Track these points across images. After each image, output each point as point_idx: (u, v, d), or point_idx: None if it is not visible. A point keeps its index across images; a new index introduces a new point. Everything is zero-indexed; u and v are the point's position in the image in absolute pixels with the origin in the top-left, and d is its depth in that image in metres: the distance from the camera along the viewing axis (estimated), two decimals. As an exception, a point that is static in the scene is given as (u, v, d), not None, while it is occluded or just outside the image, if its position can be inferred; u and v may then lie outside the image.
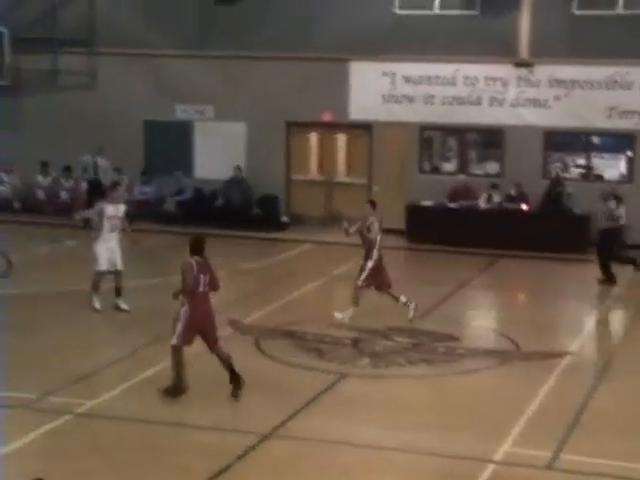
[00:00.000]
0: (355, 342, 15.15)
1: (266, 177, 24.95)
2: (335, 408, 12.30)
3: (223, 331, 15.33)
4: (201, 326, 12.37)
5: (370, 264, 16.09)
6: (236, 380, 12.39)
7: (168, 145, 25.61)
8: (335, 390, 13.01)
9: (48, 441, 11.16)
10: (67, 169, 25.72)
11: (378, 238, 16.13)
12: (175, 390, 12.30)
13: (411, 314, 16.23)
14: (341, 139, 25.49)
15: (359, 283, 16.14)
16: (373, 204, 16.43)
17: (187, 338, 12.31)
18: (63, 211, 24.39)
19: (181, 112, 25.65)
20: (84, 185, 25.27)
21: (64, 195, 25.72)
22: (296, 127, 25.30)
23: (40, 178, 25.99)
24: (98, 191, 24.59)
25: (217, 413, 11.89)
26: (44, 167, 25.89)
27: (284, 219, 24.88)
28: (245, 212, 24.60)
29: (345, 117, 24.79)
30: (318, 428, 11.45)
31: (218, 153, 25.34)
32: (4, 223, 24.46)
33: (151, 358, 13.87)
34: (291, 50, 24.54)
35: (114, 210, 16.54)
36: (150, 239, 22.88)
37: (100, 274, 16.55)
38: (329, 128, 25.28)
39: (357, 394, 12.91)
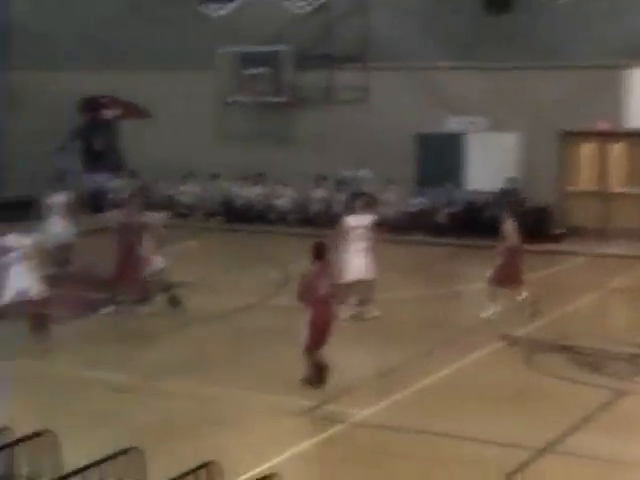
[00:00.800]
0: (633, 358, 14.64)
1: (539, 188, 24.58)
2: (611, 425, 11.93)
3: (495, 344, 15.30)
4: (325, 326, 12.86)
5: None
6: (318, 379, 13.02)
7: (440, 157, 25.72)
8: (612, 407, 12.62)
9: (323, 448, 11.46)
10: (340, 182, 26.32)
11: (511, 241, 17.17)
12: (314, 380, 13.01)
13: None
14: (618, 148, 24.75)
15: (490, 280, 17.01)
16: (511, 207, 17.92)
17: (317, 341, 12.88)
18: (337, 223, 24.92)
19: (453, 124, 25.70)
20: (346, 197, 25.85)
21: (338, 207, 26.24)
22: (570, 137, 24.78)
23: (315, 191, 26.72)
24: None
25: (491, 427, 11.80)
26: (319, 180, 26.60)
27: (558, 231, 24.41)
28: (517, 224, 24.24)
29: (622, 125, 24.05)
30: (593, 445, 11.14)
31: (490, 164, 25.20)
32: (281, 235, 25.36)
33: (423, 369, 13.97)
34: (565, 59, 24.08)
35: (357, 221, 16.82)
36: (422, 250, 23.12)
37: (348, 284, 16.60)
38: (605, 137, 24.60)
39: (635, 412, 12.47)
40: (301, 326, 12.97)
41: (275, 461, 10.67)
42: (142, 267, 17.23)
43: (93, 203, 26.34)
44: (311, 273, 12.97)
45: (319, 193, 26.64)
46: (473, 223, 24.69)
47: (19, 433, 7.96)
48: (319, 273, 12.92)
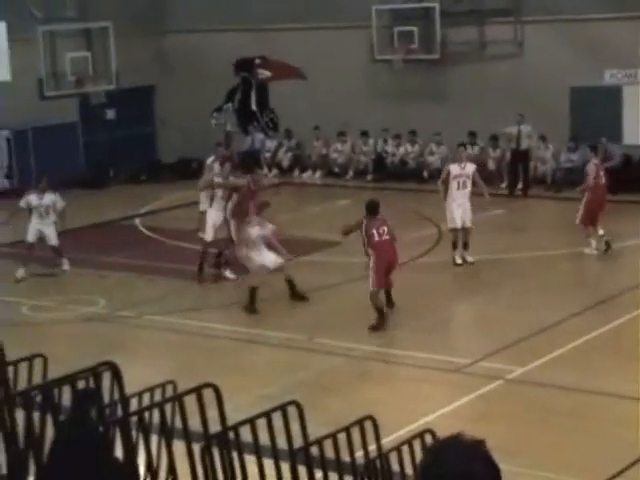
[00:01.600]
0: None
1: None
2: None
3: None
4: (387, 268, 14.30)
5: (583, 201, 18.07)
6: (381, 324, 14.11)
7: (595, 111, 25.14)
8: None
9: (478, 405, 11.51)
10: (493, 138, 26.02)
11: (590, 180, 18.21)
12: (379, 326, 14.02)
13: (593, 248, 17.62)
14: None
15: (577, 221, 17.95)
16: (595, 150, 19.01)
17: (379, 282, 14.23)
18: (489, 181, 24.65)
19: (610, 77, 25.06)
20: (508, 155, 25.53)
21: (491, 164, 26.00)
22: None
23: (469, 148, 26.45)
24: (521, 160, 24.72)
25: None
26: (472, 136, 26.35)
27: None
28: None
29: None
30: None
31: (648, 118, 24.50)
32: (434, 193, 25.23)
33: (581, 327, 13.83)
34: None
35: (459, 169, 17.65)
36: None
37: (455, 231, 17.55)
38: None
39: None
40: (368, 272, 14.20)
41: (430, 417, 10.80)
42: None
43: (247, 164, 26.80)
44: (361, 226, 14.40)
45: (472, 150, 26.34)
46: (630, 179, 24.08)
47: (183, 387, 8.24)
48: (370, 225, 14.30)
